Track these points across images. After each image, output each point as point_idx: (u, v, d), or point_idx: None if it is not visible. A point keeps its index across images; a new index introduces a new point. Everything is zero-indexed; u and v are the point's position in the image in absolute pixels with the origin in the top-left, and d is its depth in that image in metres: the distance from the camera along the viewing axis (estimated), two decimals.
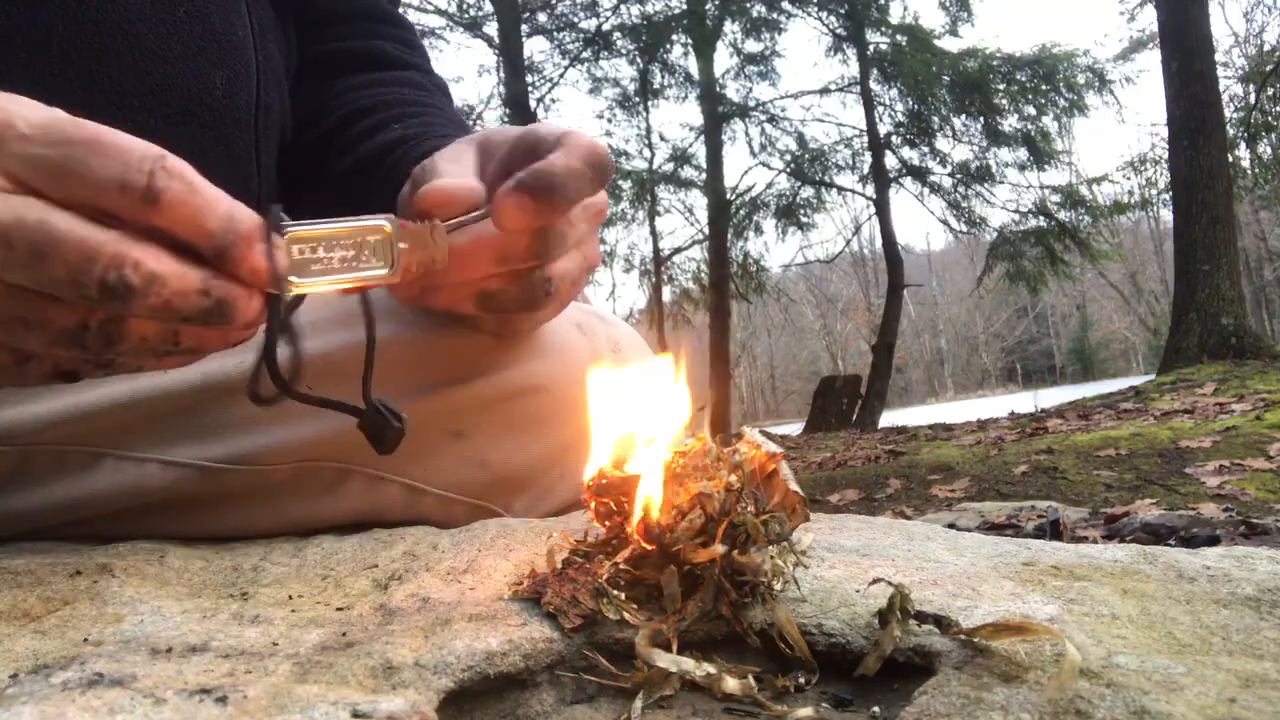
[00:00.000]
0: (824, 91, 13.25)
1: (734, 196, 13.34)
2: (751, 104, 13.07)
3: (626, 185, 13.63)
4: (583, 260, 0.68)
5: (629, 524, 0.52)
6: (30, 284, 0.45)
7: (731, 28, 12.34)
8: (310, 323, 0.70)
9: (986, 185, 12.85)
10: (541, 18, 12.23)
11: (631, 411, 0.57)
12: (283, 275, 0.50)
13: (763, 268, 14.47)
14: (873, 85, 12.56)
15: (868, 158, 12.82)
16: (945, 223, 13.53)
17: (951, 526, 1.33)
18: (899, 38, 12.36)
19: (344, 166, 0.90)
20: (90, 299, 0.45)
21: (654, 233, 14.50)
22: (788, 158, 13.39)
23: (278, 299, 0.51)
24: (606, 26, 12.27)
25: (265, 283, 0.50)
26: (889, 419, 11.51)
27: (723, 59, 17.41)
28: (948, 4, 12.30)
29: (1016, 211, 12.96)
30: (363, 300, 0.56)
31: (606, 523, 0.55)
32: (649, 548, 0.51)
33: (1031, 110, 12.28)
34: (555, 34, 12.50)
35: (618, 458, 0.56)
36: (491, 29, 11.66)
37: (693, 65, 12.70)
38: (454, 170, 0.67)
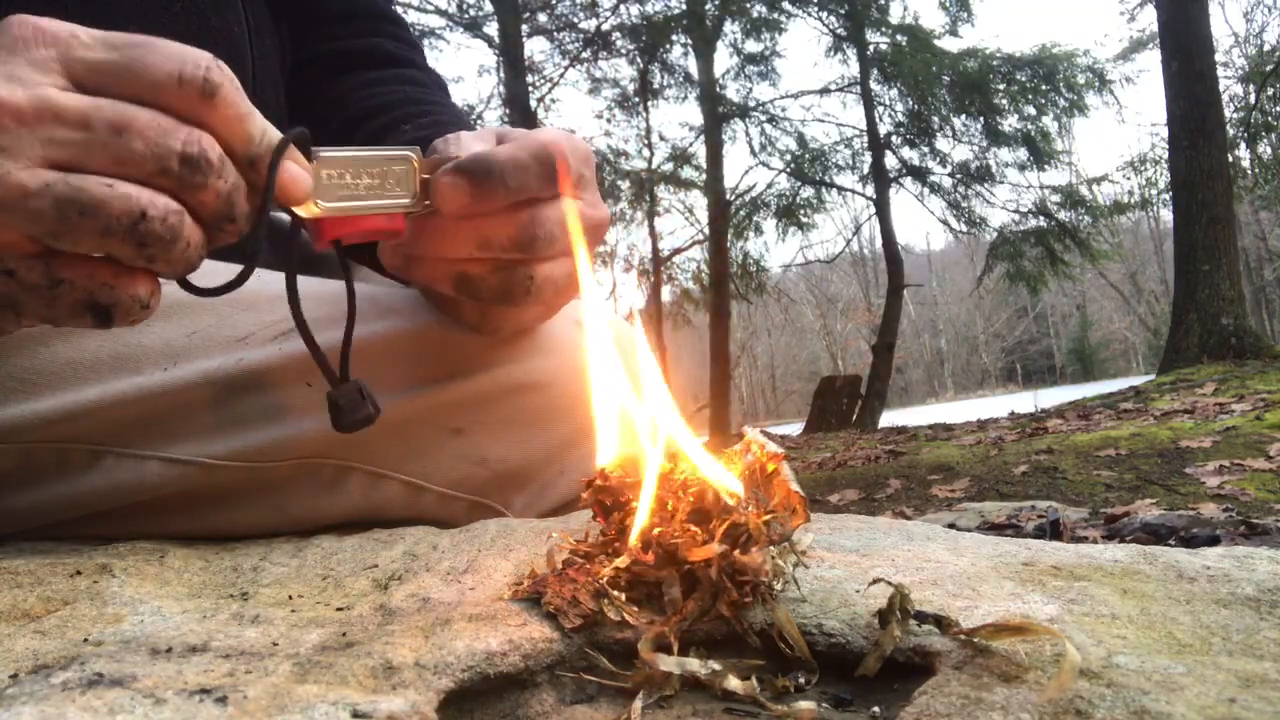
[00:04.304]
0: (824, 91, 13.25)
1: (734, 196, 13.34)
2: (751, 104, 13.07)
3: (626, 185, 13.63)
4: (561, 272, 0.67)
5: (628, 535, 0.52)
6: (110, 162, 0.45)
7: (731, 28, 12.35)
8: (310, 320, 0.70)
9: (986, 185, 12.86)
10: (541, 18, 12.24)
11: (630, 410, 0.57)
12: (306, 192, 0.51)
13: (763, 268, 14.46)
14: (873, 85, 12.56)
15: (868, 158, 12.82)
16: (945, 223, 13.53)
17: (951, 526, 1.33)
18: (899, 38, 12.36)
19: None
20: (170, 172, 0.46)
21: (653, 233, 14.52)
22: (788, 158, 13.40)
23: (295, 222, 0.54)
24: (606, 26, 12.28)
25: (296, 199, 0.51)
26: (889, 419, 11.51)
27: (723, 59, 17.43)
28: (948, 4, 12.30)
29: (1016, 211, 12.97)
30: (343, 265, 0.58)
31: (606, 520, 0.55)
32: (647, 559, 0.51)
33: (1031, 110, 12.29)
34: (555, 34, 12.51)
35: (620, 457, 0.56)
36: (491, 29, 11.67)
37: (693, 65, 12.71)
38: (478, 148, 0.68)
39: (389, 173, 0.56)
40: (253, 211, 0.50)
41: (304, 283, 0.76)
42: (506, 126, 0.73)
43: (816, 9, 12.13)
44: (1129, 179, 14.87)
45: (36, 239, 0.45)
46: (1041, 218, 12.74)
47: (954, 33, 12.40)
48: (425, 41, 10.74)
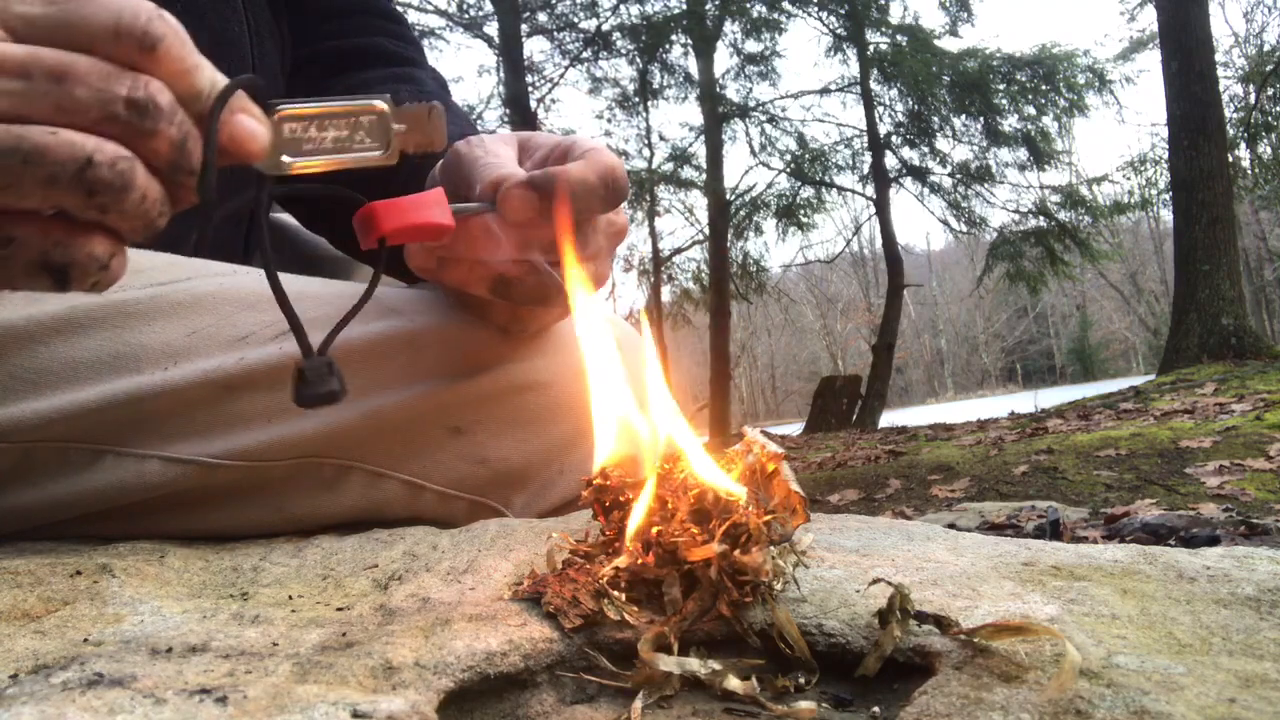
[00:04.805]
0: (824, 91, 13.24)
1: (734, 196, 13.33)
2: (751, 104, 13.07)
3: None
4: (595, 272, 0.69)
5: (626, 534, 0.52)
6: (51, 111, 0.43)
7: (731, 28, 12.34)
8: (310, 320, 0.70)
9: (986, 185, 12.86)
10: (541, 18, 12.23)
11: (630, 410, 0.57)
12: (262, 146, 0.49)
13: (763, 268, 14.46)
14: (873, 85, 12.55)
15: (868, 158, 12.82)
16: (945, 223, 13.53)
17: (951, 526, 1.33)
18: (899, 38, 12.36)
19: None
20: (117, 117, 0.44)
21: (654, 233, 14.51)
22: (788, 158, 13.39)
23: (260, 174, 0.50)
24: (606, 26, 12.26)
25: (252, 153, 0.49)
26: (889, 419, 11.50)
27: (723, 59, 17.40)
28: (948, 4, 12.30)
29: (1016, 211, 12.96)
30: (378, 257, 0.57)
31: (606, 520, 0.55)
32: (646, 560, 0.50)
33: (1031, 110, 12.29)
34: (555, 34, 12.50)
35: (619, 457, 0.56)
36: (491, 29, 11.66)
37: (693, 65, 12.70)
38: (505, 153, 0.69)
39: (359, 124, 0.54)
40: (202, 160, 0.48)
41: (304, 282, 0.76)
42: (526, 133, 0.74)
43: (816, 9, 12.12)
44: (1129, 179, 14.85)
45: None
46: (1041, 218, 12.73)
47: (954, 33, 12.40)
48: (425, 41, 10.74)
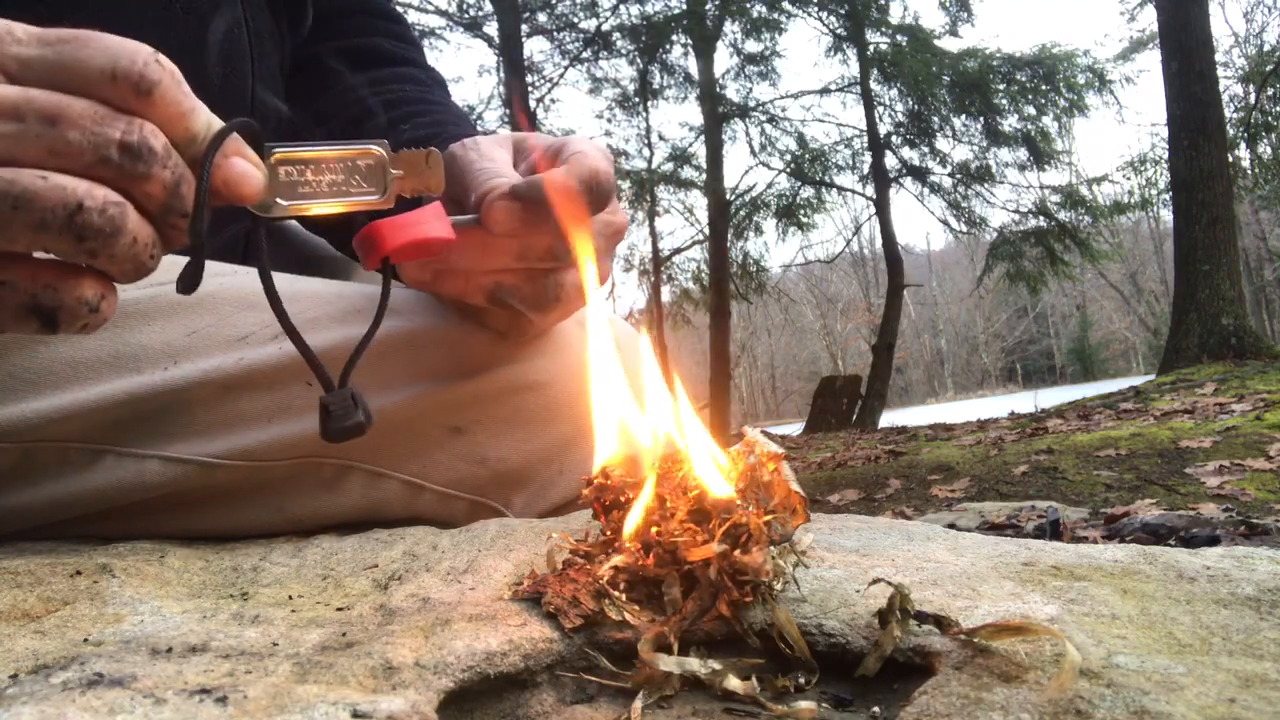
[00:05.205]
0: (824, 91, 13.24)
1: (734, 196, 13.33)
2: (751, 104, 13.07)
3: (626, 185, 13.61)
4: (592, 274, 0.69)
5: (624, 533, 0.52)
6: (44, 154, 0.43)
7: (731, 28, 12.34)
8: (310, 320, 0.70)
9: (986, 185, 12.86)
10: (541, 18, 12.23)
11: (629, 410, 0.57)
12: (256, 189, 0.49)
13: (763, 268, 14.46)
14: (873, 85, 12.56)
15: (868, 158, 12.82)
16: (945, 223, 13.53)
17: (951, 526, 1.33)
18: (899, 38, 12.36)
19: None
20: (110, 161, 0.44)
21: (654, 233, 14.50)
22: (788, 158, 13.39)
23: (260, 220, 0.50)
24: (606, 27, 12.27)
25: (245, 196, 0.49)
26: (889, 419, 11.51)
27: (723, 59, 17.41)
28: (948, 4, 12.30)
29: (1016, 211, 12.97)
30: (385, 276, 0.56)
31: (606, 519, 0.55)
32: (645, 562, 0.51)
33: (1031, 110, 12.29)
34: (555, 34, 12.50)
35: (620, 457, 0.56)
36: (491, 29, 11.67)
37: (693, 65, 12.71)
38: (500, 156, 0.69)
39: (355, 168, 0.54)
40: (195, 205, 0.48)
41: (304, 283, 0.76)
42: (522, 132, 0.75)
43: (816, 9, 12.12)
44: (1129, 179, 14.84)
45: None
46: (1041, 218, 12.73)
47: (954, 33, 12.40)
48: (425, 41, 10.74)
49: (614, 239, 0.71)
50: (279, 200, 0.51)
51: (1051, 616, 0.47)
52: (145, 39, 0.69)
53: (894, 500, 3.48)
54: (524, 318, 0.72)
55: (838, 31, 12.44)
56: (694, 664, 0.44)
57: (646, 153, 13.87)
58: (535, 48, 12.63)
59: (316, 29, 1.02)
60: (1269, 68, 12.11)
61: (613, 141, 13.45)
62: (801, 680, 0.46)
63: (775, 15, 12.06)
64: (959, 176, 12.84)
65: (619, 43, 12.49)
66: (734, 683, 0.44)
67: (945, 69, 11.99)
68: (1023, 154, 12.48)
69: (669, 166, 13.99)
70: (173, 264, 0.75)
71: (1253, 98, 12.20)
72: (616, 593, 0.49)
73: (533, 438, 0.78)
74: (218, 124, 0.48)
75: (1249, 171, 12.90)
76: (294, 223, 1.12)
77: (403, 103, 0.95)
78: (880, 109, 12.76)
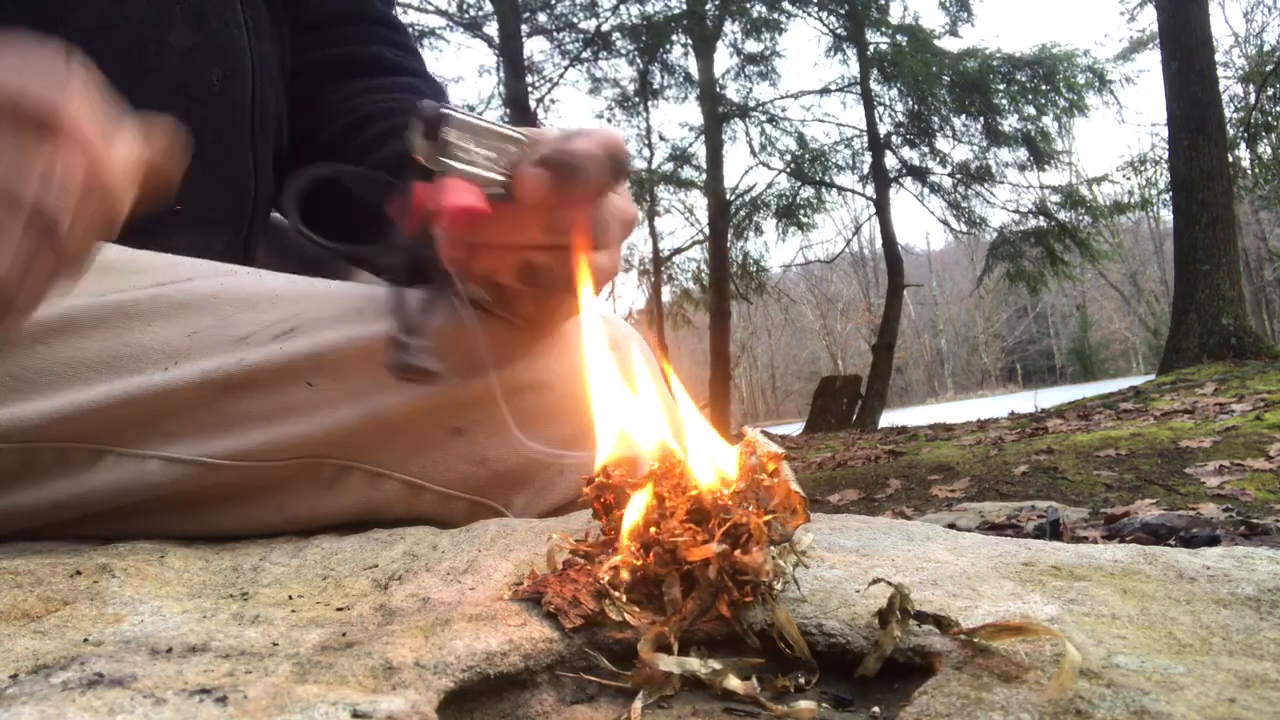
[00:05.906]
0: (824, 91, 13.24)
1: (734, 196, 13.33)
2: (751, 104, 13.07)
3: (626, 185, 13.60)
4: (608, 262, 0.69)
5: (621, 532, 0.52)
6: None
7: (731, 28, 12.34)
8: (314, 319, 0.70)
9: (986, 185, 12.86)
10: (541, 18, 12.22)
11: (629, 410, 0.57)
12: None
13: (763, 268, 14.47)
14: (873, 85, 12.55)
15: (868, 158, 12.82)
16: (945, 223, 13.53)
17: (951, 526, 1.33)
18: (899, 38, 12.35)
19: None
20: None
21: (654, 233, 14.50)
22: (788, 158, 13.39)
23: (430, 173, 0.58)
24: (606, 27, 12.26)
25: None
26: (889, 419, 11.50)
27: (723, 59, 17.40)
28: (948, 4, 12.30)
29: (1016, 211, 12.97)
30: (447, 277, 0.61)
31: (606, 519, 0.55)
32: (643, 562, 0.51)
33: (1031, 110, 12.29)
34: (555, 34, 12.49)
35: (619, 456, 0.56)
36: (491, 29, 11.66)
37: (693, 65, 12.70)
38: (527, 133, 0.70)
39: (503, 151, 0.59)
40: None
41: (308, 283, 0.76)
42: (531, 128, 0.75)
43: (816, 9, 12.12)
44: (1129, 179, 14.84)
45: None
46: (1041, 218, 12.73)
47: (954, 33, 12.40)
48: (425, 41, 10.74)
49: (626, 229, 0.71)
50: (441, 158, 0.57)
51: (1051, 616, 0.47)
52: (145, 39, 0.70)
53: (894, 500, 3.48)
54: (554, 301, 0.72)
55: (838, 31, 12.44)
56: (694, 664, 0.44)
57: (646, 153, 13.86)
58: (535, 48, 12.65)
59: (317, 36, 1.02)
60: (1269, 68, 12.11)
61: None
62: (801, 680, 0.46)
63: (775, 15, 12.06)
64: (959, 176, 12.84)
65: (619, 43, 12.49)
66: (734, 683, 0.44)
67: (945, 69, 11.98)
68: (1023, 154, 12.49)
69: (669, 166, 14.00)
70: (171, 264, 0.76)
71: (1253, 98, 12.20)
72: (617, 593, 0.49)
73: (533, 438, 0.78)
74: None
75: (1249, 171, 12.90)
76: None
77: (402, 110, 0.95)
78: (880, 109, 12.77)
